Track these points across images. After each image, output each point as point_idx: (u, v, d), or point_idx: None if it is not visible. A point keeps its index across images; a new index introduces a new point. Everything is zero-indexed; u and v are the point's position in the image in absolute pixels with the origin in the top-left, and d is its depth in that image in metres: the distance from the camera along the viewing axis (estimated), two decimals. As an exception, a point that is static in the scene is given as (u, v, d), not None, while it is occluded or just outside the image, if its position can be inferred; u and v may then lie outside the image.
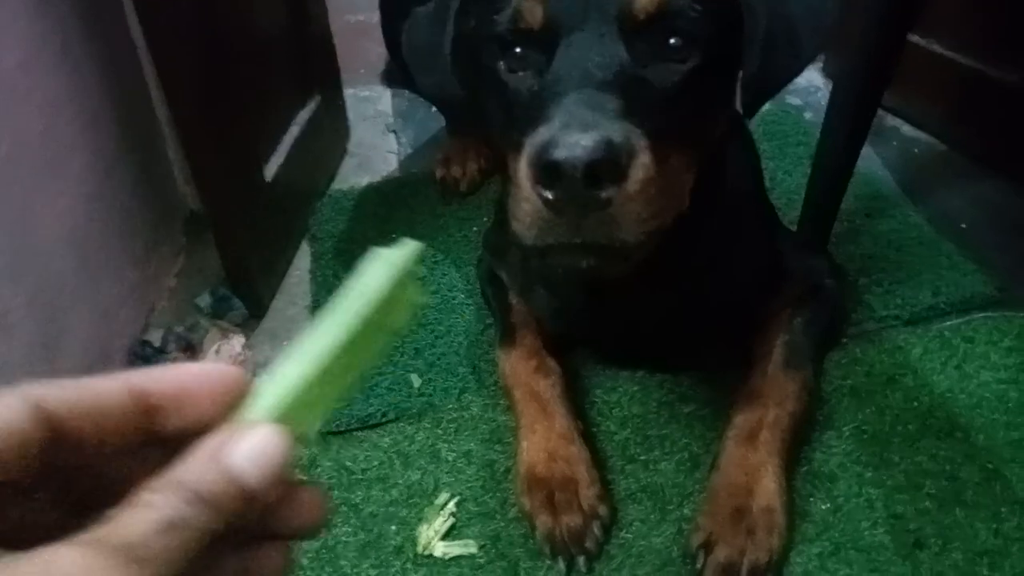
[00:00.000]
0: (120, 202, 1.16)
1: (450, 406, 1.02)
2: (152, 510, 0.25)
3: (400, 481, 0.93)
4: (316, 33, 1.50)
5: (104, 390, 0.29)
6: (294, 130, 1.39)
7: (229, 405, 0.30)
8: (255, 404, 0.30)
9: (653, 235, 0.66)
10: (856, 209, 1.29)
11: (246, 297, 1.23)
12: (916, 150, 1.48)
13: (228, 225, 1.18)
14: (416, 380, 1.06)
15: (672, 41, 0.68)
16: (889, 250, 1.21)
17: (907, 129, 1.53)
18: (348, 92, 1.69)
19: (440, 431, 0.99)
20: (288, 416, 0.29)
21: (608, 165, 0.59)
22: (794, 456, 0.89)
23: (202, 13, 1.06)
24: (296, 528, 0.32)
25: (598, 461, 0.91)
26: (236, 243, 1.19)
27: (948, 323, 1.07)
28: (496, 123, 0.77)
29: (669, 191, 0.67)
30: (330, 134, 1.58)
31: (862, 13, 1.02)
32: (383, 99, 1.81)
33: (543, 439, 0.89)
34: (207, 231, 1.25)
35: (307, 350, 0.30)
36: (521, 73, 0.71)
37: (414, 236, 1.43)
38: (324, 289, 1.27)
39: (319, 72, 1.51)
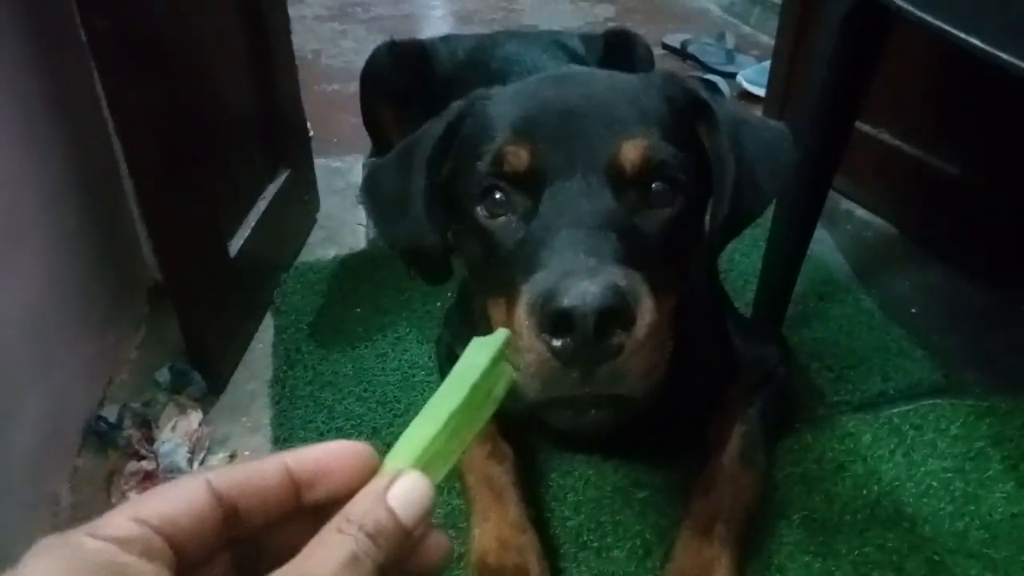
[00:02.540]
0: (79, 274, 1.15)
1: (406, 488, 1.01)
2: (338, 548, 0.31)
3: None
4: (286, 107, 1.52)
5: (264, 471, 0.35)
6: (261, 204, 1.40)
7: (360, 475, 0.35)
8: (397, 455, 0.35)
9: (658, 382, 0.64)
10: (810, 292, 1.33)
11: (206, 372, 1.22)
12: (869, 234, 1.53)
13: (190, 301, 1.17)
14: (373, 460, 1.05)
15: (655, 187, 0.70)
16: (840, 335, 1.24)
17: (861, 213, 1.58)
18: (320, 162, 1.72)
19: (395, 514, 0.98)
20: (425, 465, 0.35)
21: (618, 312, 0.58)
22: (747, 546, 0.90)
23: (169, 88, 1.06)
24: (424, 568, 0.36)
25: (550, 548, 0.91)
26: (197, 319, 1.19)
27: (897, 409, 1.10)
28: (477, 269, 0.78)
29: (664, 333, 0.67)
30: (298, 207, 1.59)
31: (808, 103, 1.06)
32: (354, 170, 1.83)
33: (495, 527, 0.89)
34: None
35: (432, 413, 0.37)
36: (503, 218, 0.72)
37: (378, 311, 1.42)
38: (286, 364, 1.26)
39: (288, 146, 1.53)
